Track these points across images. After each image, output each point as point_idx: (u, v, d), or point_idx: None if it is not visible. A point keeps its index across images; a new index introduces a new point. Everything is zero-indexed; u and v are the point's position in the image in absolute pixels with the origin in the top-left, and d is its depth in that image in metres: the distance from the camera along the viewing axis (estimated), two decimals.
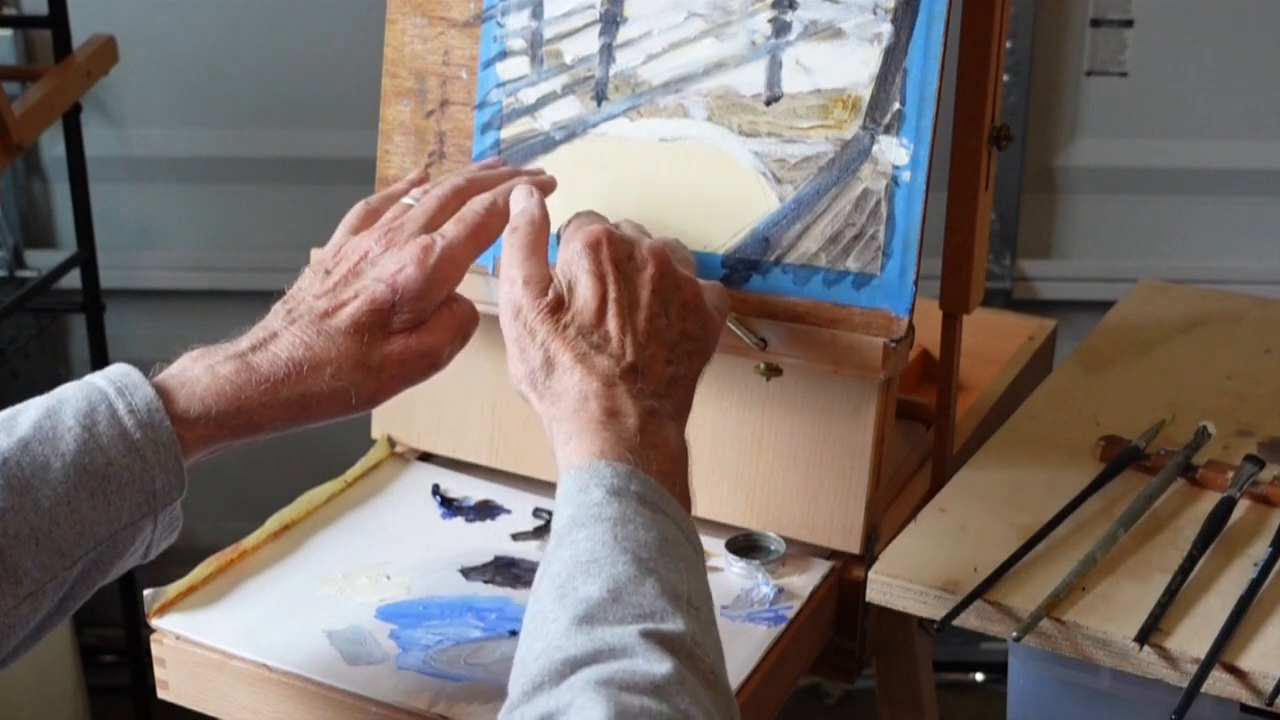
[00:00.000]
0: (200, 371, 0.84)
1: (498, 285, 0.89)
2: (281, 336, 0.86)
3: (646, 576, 0.73)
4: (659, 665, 0.68)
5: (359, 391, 0.87)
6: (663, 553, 0.75)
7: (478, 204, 0.92)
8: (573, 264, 0.87)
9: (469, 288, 1.08)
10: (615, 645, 0.69)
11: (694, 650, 0.71)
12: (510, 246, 0.88)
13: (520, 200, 0.91)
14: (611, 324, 0.85)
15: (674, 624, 0.71)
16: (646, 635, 0.70)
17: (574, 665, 0.69)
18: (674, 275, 0.88)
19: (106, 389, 0.81)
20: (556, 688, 0.68)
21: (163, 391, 0.82)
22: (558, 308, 0.86)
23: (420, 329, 0.88)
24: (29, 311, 2.14)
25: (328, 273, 0.90)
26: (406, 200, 0.95)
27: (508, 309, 0.87)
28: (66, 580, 0.79)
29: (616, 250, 0.87)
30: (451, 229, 0.90)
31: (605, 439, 0.80)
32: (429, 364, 0.89)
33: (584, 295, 0.86)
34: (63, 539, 0.78)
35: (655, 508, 0.78)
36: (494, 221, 0.91)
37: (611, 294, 0.85)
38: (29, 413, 0.80)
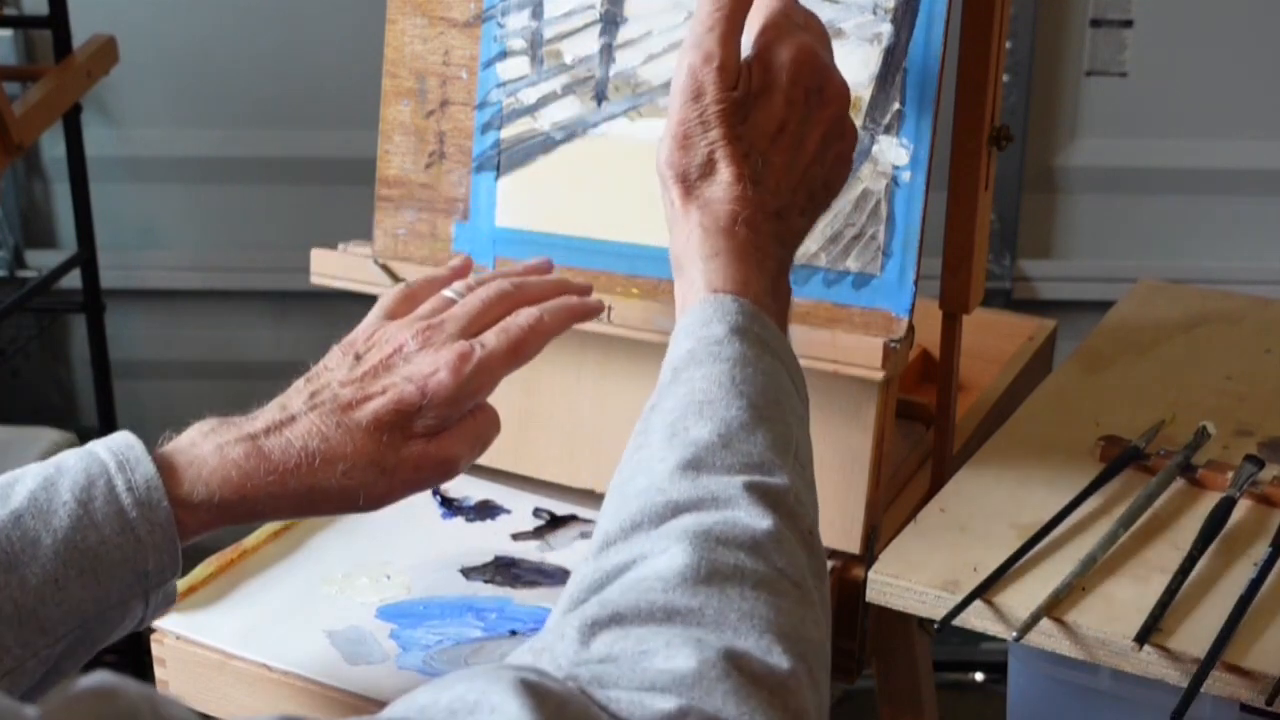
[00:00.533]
0: (209, 451, 0.81)
1: (680, 52, 0.83)
2: (299, 422, 0.82)
3: (759, 425, 0.71)
4: (761, 520, 0.67)
5: (368, 492, 0.83)
6: (776, 402, 0.74)
7: (523, 318, 0.88)
8: (772, 72, 0.82)
9: None
10: (719, 495, 0.68)
11: (795, 508, 0.70)
12: (715, 10, 0.81)
13: None
14: (779, 157, 0.81)
15: (780, 478, 0.70)
16: (751, 488, 0.68)
17: (676, 510, 0.67)
18: (844, 122, 0.85)
19: (108, 462, 0.78)
20: (656, 529, 0.67)
21: (167, 468, 0.79)
22: (739, 109, 0.81)
23: (441, 436, 0.84)
24: (29, 311, 2.15)
25: (358, 358, 0.87)
26: (448, 294, 0.91)
27: (690, 85, 0.81)
28: (49, 658, 0.77)
29: (814, 77, 0.82)
30: (493, 340, 0.86)
31: (750, 271, 0.78)
32: (443, 472, 0.85)
33: (769, 112, 0.81)
34: (47, 618, 0.75)
35: (774, 354, 0.76)
36: (536, 340, 0.87)
37: (792, 125, 0.82)
38: (25, 482, 0.77)
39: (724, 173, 0.80)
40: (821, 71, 0.83)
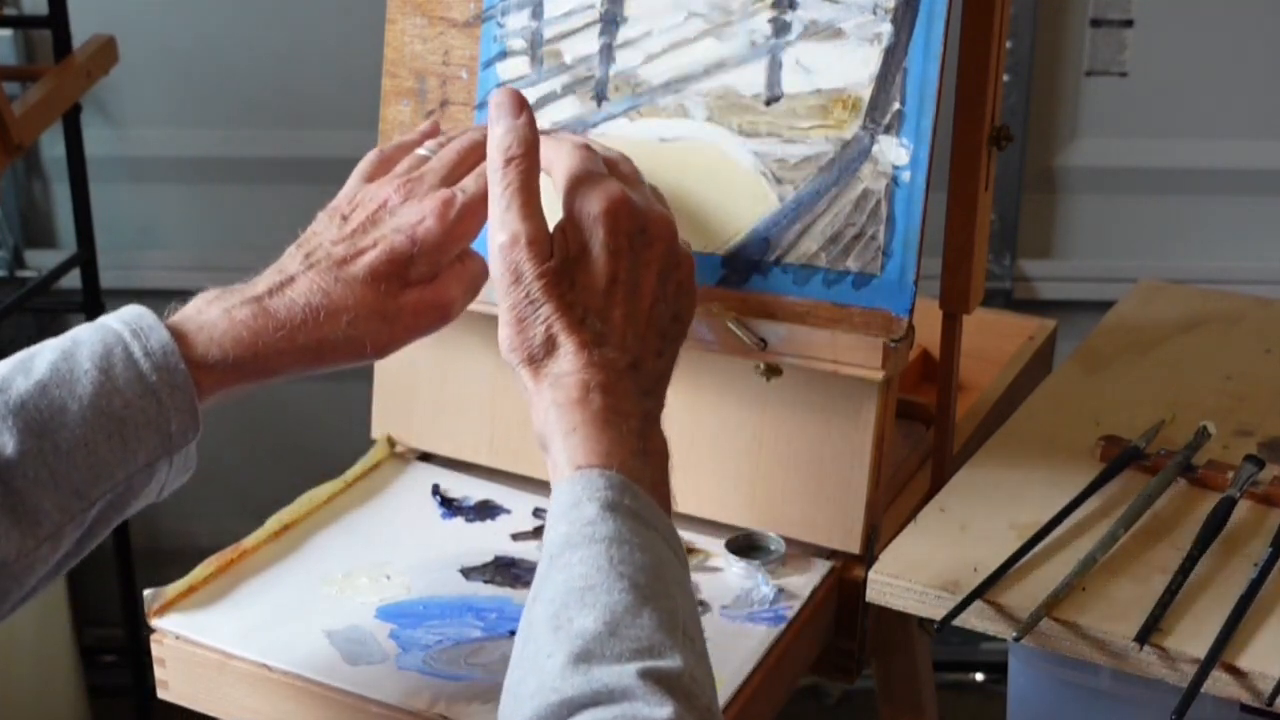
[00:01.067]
0: (216, 315, 0.84)
1: (489, 236, 0.84)
2: (299, 281, 0.86)
3: (644, 605, 0.71)
4: (659, 709, 0.67)
5: (374, 340, 0.86)
6: (658, 576, 0.73)
7: (497, 155, 0.88)
8: (586, 230, 0.82)
9: None
10: (614, 687, 0.67)
11: (691, 688, 0.69)
12: (505, 189, 0.83)
13: (504, 122, 0.85)
14: (617, 310, 0.81)
15: (673, 660, 0.69)
16: (645, 675, 0.68)
17: (572, 708, 0.67)
18: (676, 253, 0.85)
19: (122, 331, 0.81)
20: None
21: (178, 335, 0.82)
22: (562, 278, 0.81)
23: (435, 282, 0.87)
24: (29, 311, 2.14)
25: (344, 219, 0.90)
26: (421, 151, 0.94)
27: (506, 272, 0.82)
28: (84, 522, 0.80)
29: (632, 222, 0.83)
30: (472, 184, 0.88)
31: (610, 439, 0.78)
32: (440, 316, 0.88)
33: (595, 272, 0.81)
34: (80, 481, 0.78)
35: (648, 524, 0.76)
36: (515, 175, 0.87)
37: (621, 274, 0.81)
38: (45, 355, 0.80)
39: (565, 345, 0.80)
40: (638, 214, 0.83)
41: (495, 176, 0.84)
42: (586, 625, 0.70)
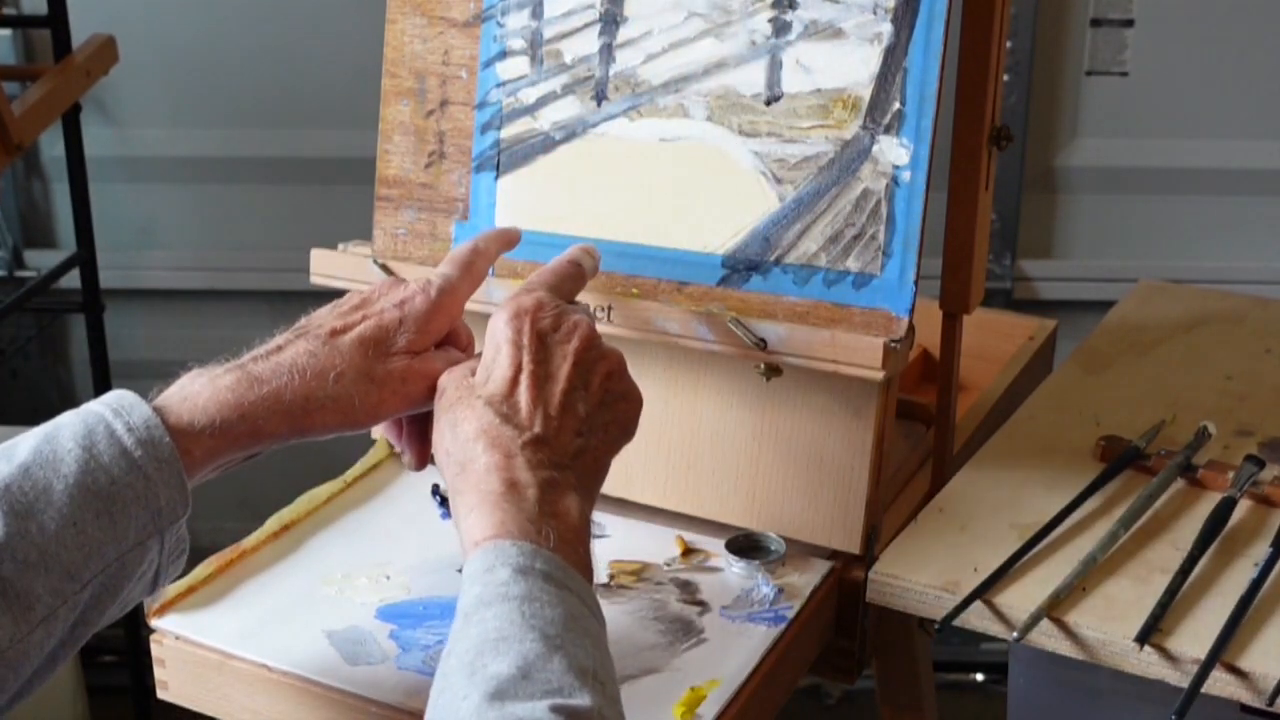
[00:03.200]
0: (200, 385, 0.85)
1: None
2: (286, 348, 0.88)
3: (554, 653, 0.74)
4: None
5: (361, 400, 0.87)
6: (569, 628, 0.76)
7: (463, 247, 0.96)
8: (495, 333, 0.88)
9: None
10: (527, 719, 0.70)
11: None
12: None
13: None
14: (523, 396, 0.85)
15: (582, 699, 0.72)
16: (556, 710, 0.70)
17: None
18: (598, 347, 0.89)
19: (103, 412, 0.81)
20: None
21: (161, 409, 0.83)
22: (473, 385, 0.87)
23: (423, 356, 0.91)
24: (29, 311, 2.15)
25: (337, 307, 0.93)
26: None
27: (439, 390, 0.89)
28: (77, 605, 0.79)
29: (541, 320, 0.88)
30: (444, 267, 0.94)
31: (505, 511, 0.80)
32: (429, 387, 0.90)
33: (501, 365, 0.86)
34: (71, 561, 0.77)
35: (560, 584, 0.78)
36: (480, 260, 0.96)
37: (527, 365, 0.86)
38: (27, 441, 0.80)
39: (465, 431, 0.84)
40: (551, 314, 0.89)
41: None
42: (500, 669, 0.72)
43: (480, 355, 0.89)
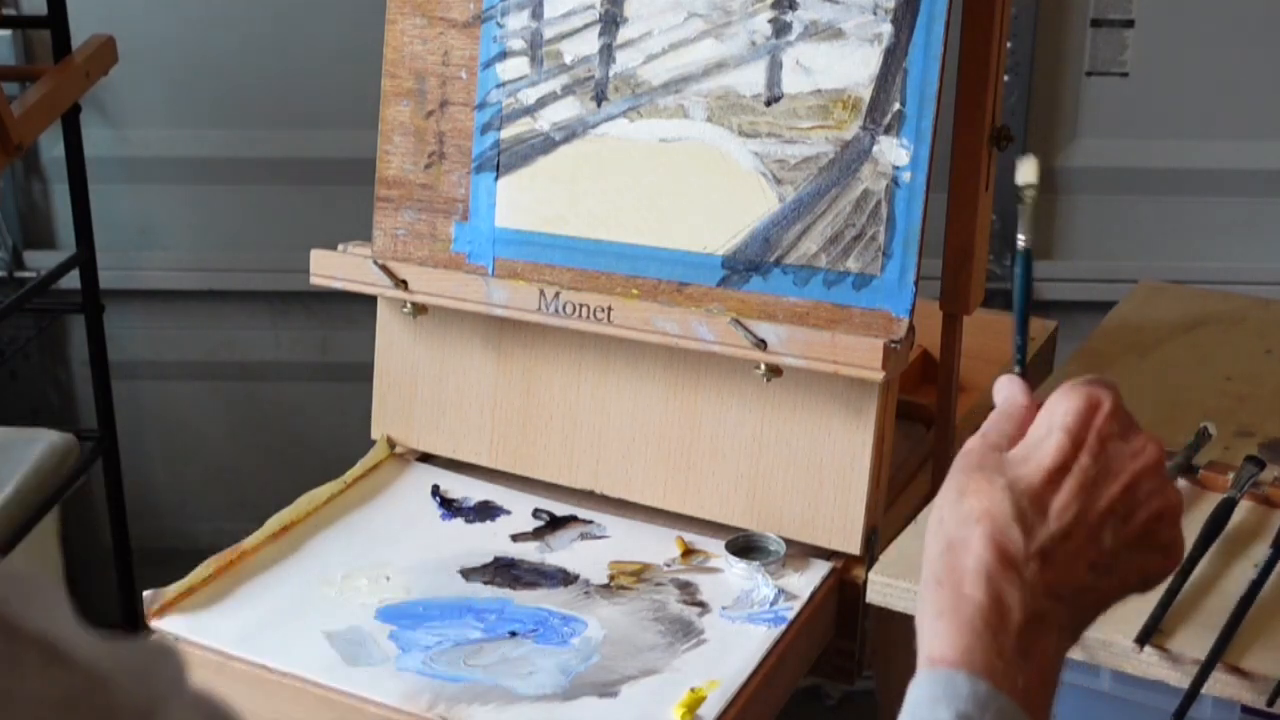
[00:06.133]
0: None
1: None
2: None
3: None
4: None
5: None
6: None
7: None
8: (1054, 415, 0.73)
9: (468, 287, 1.08)
10: None
11: None
12: (995, 414, 0.76)
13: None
14: (1057, 500, 0.70)
15: None
16: None
17: None
18: (1159, 480, 0.74)
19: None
20: None
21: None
22: (1005, 462, 0.72)
23: None
24: (28, 312, 2.14)
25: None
26: None
27: (959, 459, 0.75)
28: None
29: (1111, 422, 0.73)
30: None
31: (979, 635, 0.68)
32: None
33: (1047, 452, 0.71)
34: None
35: None
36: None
37: (1074, 465, 0.71)
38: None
39: (967, 507, 0.71)
40: (1122, 420, 0.75)
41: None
42: None
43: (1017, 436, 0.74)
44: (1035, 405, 0.76)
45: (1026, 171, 0.77)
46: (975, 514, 0.70)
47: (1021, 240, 0.79)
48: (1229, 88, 2.15)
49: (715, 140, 1.01)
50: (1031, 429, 0.74)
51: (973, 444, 0.74)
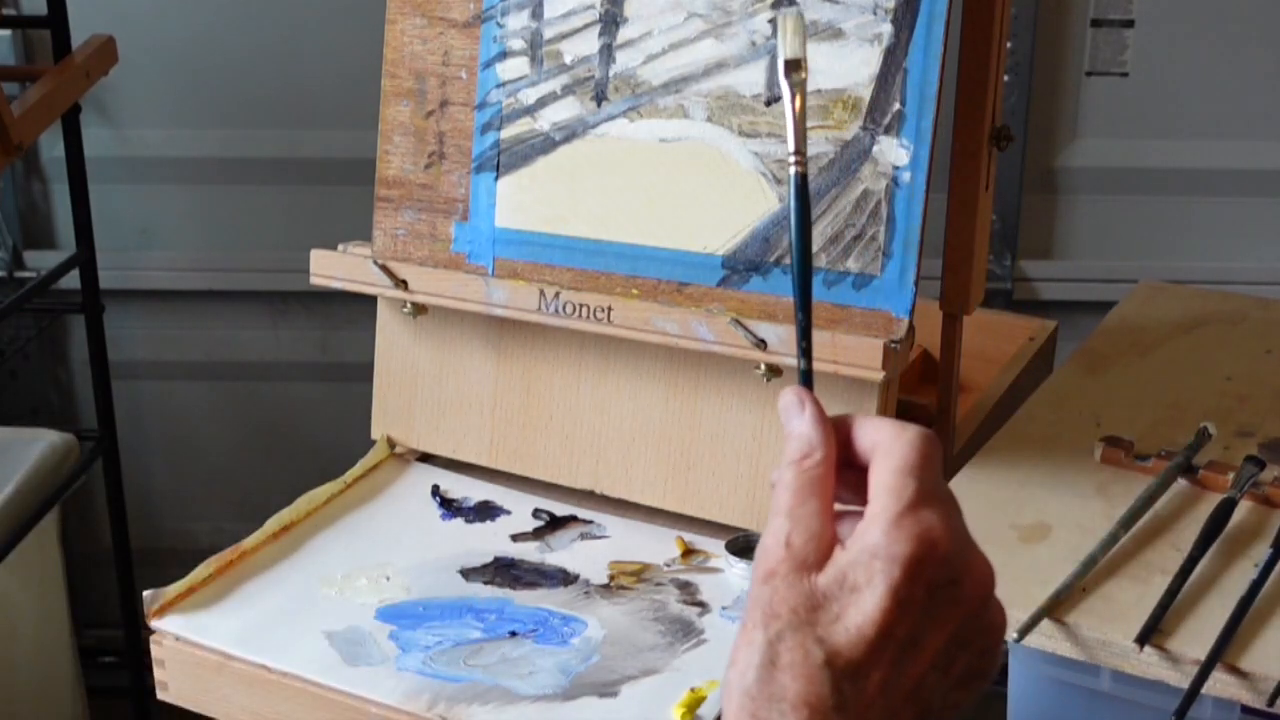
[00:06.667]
0: None
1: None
2: None
3: None
4: None
5: None
6: None
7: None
8: (878, 560, 0.62)
9: (468, 287, 1.08)
10: None
11: None
12: (791, 481, 0.65)
13: (788, 426, 0.67)
14: (876, 673, 0.62)
15: None
16: None
17: None
18: (986, 616, 0.67)
19: None
20: None
21: None
22: (819, 606, 0.63)
23: None
24: (28, 312, 2.14)
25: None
26: None
27: (761, 564, 0.66)
28: None
29: (941, 572, 0.63)
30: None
31: None
32: None
33: (867, 614, 0.62)
34: None
35: None
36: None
37: (900, 632, 0.63)
38: None
39: (792, 689, 0.63)
40: (951, 565, 0.64)
41: (780, 478, 0.66)
42: None
43: (827, 540, 0.64)
44: (836, 446, 0.66)
45: (792, 41, 0.60)
46: (792, 701, 0.62)
47: (793, 160, 0.62)
48: (1229, 88, 2.15)
49: (715, 140, 1.01)
50: (851, 566, 0.63)
51: (775, 555, 0.64)
